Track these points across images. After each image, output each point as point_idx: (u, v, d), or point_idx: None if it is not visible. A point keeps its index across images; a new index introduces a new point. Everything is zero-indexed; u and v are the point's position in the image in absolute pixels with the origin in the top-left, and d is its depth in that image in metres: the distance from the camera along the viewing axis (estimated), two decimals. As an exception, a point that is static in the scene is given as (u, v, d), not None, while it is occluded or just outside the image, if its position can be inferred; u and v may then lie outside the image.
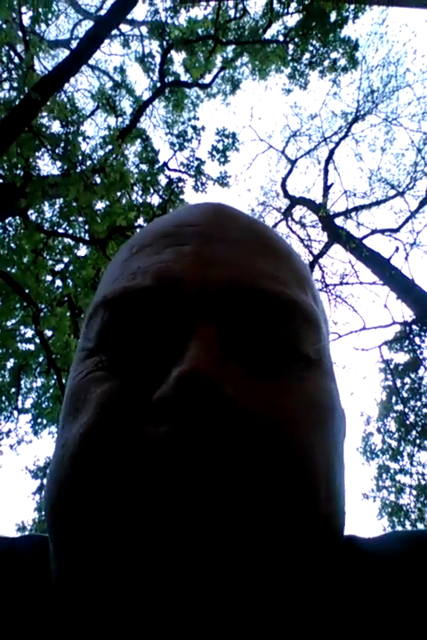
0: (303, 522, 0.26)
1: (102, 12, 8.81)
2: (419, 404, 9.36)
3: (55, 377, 5.32)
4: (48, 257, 5.79)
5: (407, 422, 9.32)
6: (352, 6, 7.56)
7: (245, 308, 0.30)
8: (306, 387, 0.30)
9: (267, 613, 0.24)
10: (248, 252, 0.34)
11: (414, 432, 9.25)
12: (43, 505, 0.30)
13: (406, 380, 9.65)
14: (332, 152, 11.35)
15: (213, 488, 0.24)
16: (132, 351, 0.30)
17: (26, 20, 5.91)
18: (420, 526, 8.81)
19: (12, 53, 5.24)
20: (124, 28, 9.83)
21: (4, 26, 4.71)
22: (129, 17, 8.33)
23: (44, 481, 7.63)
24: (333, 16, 7.97)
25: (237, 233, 0.35)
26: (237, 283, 0.31)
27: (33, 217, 6.06)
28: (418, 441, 9.17)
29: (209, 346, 0.27)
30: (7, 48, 5.02)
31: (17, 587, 0.31)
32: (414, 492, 9.25)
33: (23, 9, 5.34)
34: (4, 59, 5.01)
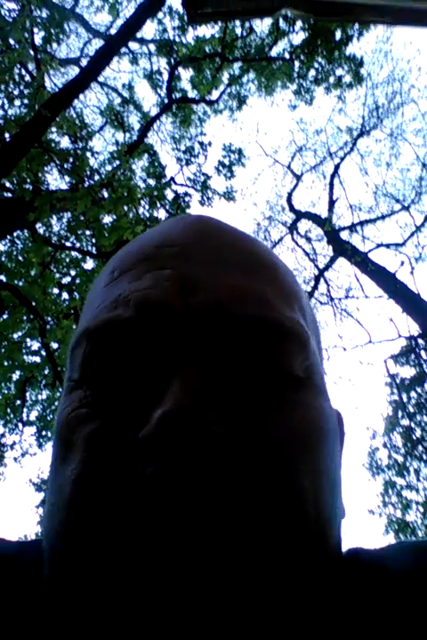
0: (293, 545, 0.26)
1: (112, 31, 8.99)
2: (425, 418, 9.26)
3: (60, 390, 5.32)
4: (55, 270, 5.84)
5: (414, 437, 9.21)
6: (357, 25, 7.66)
7: (228, 334, 0.30)
8: (295, 410, 0.30)
9: (265, 631, 0.25)
10: (231, 272, 0.32)
11: (420, 447, 9.14)
12: (43, 540, 0.30)
13: (413, 394, 9.56)
14: (337, 167, 11.42)
15: (201, 521, 0.24)
16: (115, 385, 0.29)
17: (38, 40, 6.05)
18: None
19: (23, 71, 5.35)
20: (133, 45, 10.00)
21: (17, 46, 4.82)
22: (138, 35, 8.48)
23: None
24: (338, 34, 8.08)
25: (219, 251, 0.34)
26: (220, 308, 0.30)
27: (41, 230, 6.12)
28: (425, 456, 9.06)
29: (191, 380, 0.27)
30: (19, 67, 5.13)
31: (22, 591, 0.31)
32: (421, 509, 9.10)
33: (35, 30, 5.47)
34: (16, 77, 5.12)
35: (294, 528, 0.26)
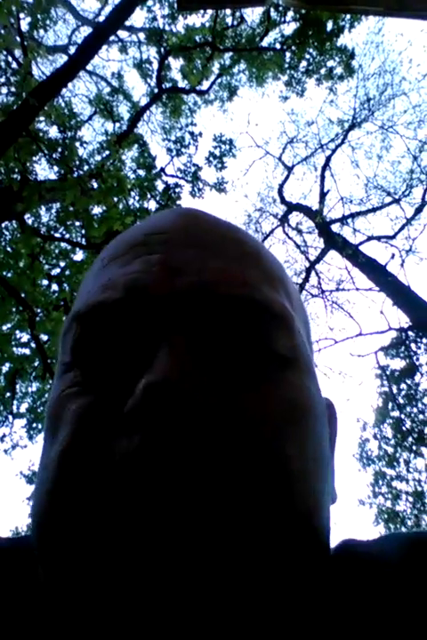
0: (280, 521, 0.26)
1: (101, 19, 8.86)
2: (415, 410, 9.38)
3: (51, 381, 5.30)
4: (44, 261, 5.79)
5: (404, 428, 9.33)
6: (349, 16, 7.64)
7: (213, 313, 0.30)
8: (280, 387, 0.30)
9: (253, 616, 0.24)
10: (217, 257, 0.33)
11: (410, 438, 9.26)
12: (30, 522, 0.31)
13: (403, 386, 9.67)
14: (328, 159, 11.43)
15: (186, 492, 0.24)
16: (104, 365, 0.30)
17: (24, 26, 5.95)
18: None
19: (10, 59, 5.26)
20: (123, 34, 9.89)
21: (3, 31, 4.73)
22: (127, 23, 8.37)
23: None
24: (329, 25, 8.05)
25: (205, 238, 0.35)
26: (205, 288, 0.31)
27: (30, 221, 6.06)
28: (414, 447, 9.19)
29: (177, 354, 0.27)
30: (5, 53, 5.04)
31: (15, 586, 0.31)
32: (411, 499, 9.25)
33: (22, 15, 5.37)
34: (3, 64, 5.03)
35: (280, 498, 0.26)
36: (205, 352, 0.29)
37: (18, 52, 5.47)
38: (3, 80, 5.09)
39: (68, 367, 0.32)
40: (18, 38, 5.09)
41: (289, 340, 0.32)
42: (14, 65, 5.32)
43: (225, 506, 0.24)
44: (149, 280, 0.31)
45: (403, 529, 9.04)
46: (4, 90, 5.15)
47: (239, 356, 0.30)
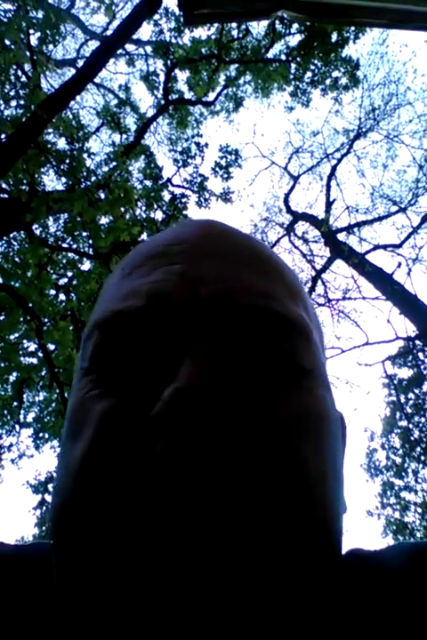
0: (300, 525, 0.26)
1: (108, 33, 8.99)
2: (423, 419, 9.28)
3: (58, 391, 5.31)
4: (52, 271, 5.83)
5: (412, 438, 9.23)
6: (353, 27, 7.69)
7: (234, 323, 0.31)
8: (299, 396, 0.31)
9: (267, 617, 0.25)
10: (237, 267, 0.34)
11: (418, 448, 9.15)
12: (47, 522, 0.31)
13: (411, 395, 9.58)
14: (334, 168, 11.44)
15: (209, 496, 0.25)
16: (126, 371, 0.31)
17: (34, 41, 6.04)
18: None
19: (19, 72, 5.34)
20: (130, 47, 10.02)
21: (13, 47, 4.81)
22: (134, 37, 8.49)
23: (46, 496, 7.57)
24: (334, 36, 8.11)
25: (226, 249, 0.36)
26: (226, 298, 0.31)
27: (37, 232, 6.12)
28: (423, 457, 9.07)
29: (201, 362, 0.28)
30: (15, 67, 5.12)
31: (23, 593, 0.32)
32: (420, 510, 9.12)
33: (31, 30, 5.46)
34: (12, 78, 5.11)
35: (300, 502, 0.27)
36: (225, 360, 0.30)
37: (27, 66, 5.57)
38: (12, 93, 5.18)
39: (87, 371, 0.33)
40: (27, 53, 5.18)
41: (307, 351, 0.33)
42: (23, 78, 5.40)
43: (247, 509, 0.25)
44: (171, 289, 0.32)
45: (412, 540, 8.89)
46: (14, 103, 5.23)
47: (259, 365, 0.31)
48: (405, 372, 9.82)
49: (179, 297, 0.31)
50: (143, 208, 6.26)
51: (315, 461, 0.28)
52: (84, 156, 5.35)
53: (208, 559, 0.24)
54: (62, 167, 5.13)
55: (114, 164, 5.90)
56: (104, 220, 5.46)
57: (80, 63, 9.55)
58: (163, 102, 8.11)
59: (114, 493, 0.26)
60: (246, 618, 0.24)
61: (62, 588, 0.28)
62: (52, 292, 5.79)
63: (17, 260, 5.80)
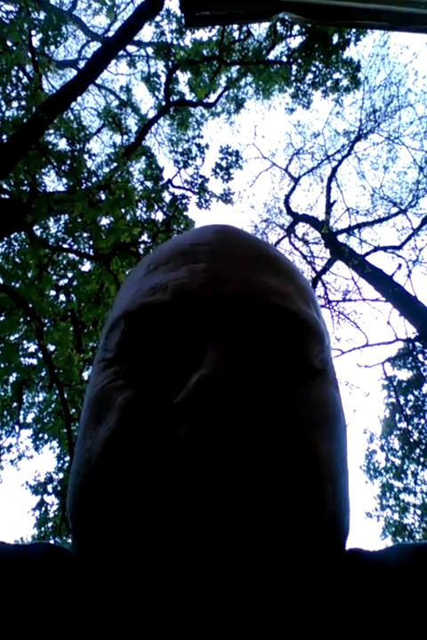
0: (311, 517, 0.27)
1: (110, 34, 9.00)
2: (423, 421, 9.27)
3: (57, 392, 5.31)
4: (52, 272, 5.83)
5: (411, 440, 9.22)
6: (354, 29, 7.70)
7: (255, 321, 0.32)
8: (313, 393, 0.32)
9: (272, 608, 0.26)
10: (256, 269, 0.36)
11: (417, 450, 9.15)
12: (67, 506, 0.32)
13: (410, 397, 9.58)
14: (335, 170, 11.45)
15: (232, 482, 0.26)
16: (150, 361, 0.32)
17: (35, 42, 6.05)
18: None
19: (21, 73, 5.35)
20: (131, 48, 10.03)
21: (15, 48, 4.82)
22: (136, 38, 8.50)
23: (45, 497, 7.55)
24: (335, 38, 8.12)
25: (245, 251, 0.38)
26: (248, 297, 0.33)
27: (38, 232, 6.12)
28: (422, 459, 9.07)
29: (223, 356, 0.29)
30: (17, 69, 5.13)
31: (25, 593, 0.32)
32: (419, 512, 9.11)
33: (33, 32, 5.47)
34: (14, 79, 5.12)
35: (312, 499, 0.28)
36: (246, 355, 0.31)
37: (29, 67, 5.58)
38: (14, 94, 5.18)
39: (112, 362, 0.34)
40: (29, 54, 5.19)
41: (320, 352, 0.35)
42: (25, 79, 5.41)
43: (263, 495, 0.26)
44: (197, 286, 0.33)
45: (411, 541, 8.87)
46: (15, 104, 5.24)
47: (276, 362, 0.32)
48: (404, 374, 9.83)
49: (204, 294, 0.33)
50: (144, 209, 6.27)
51: (328, 457, 0.30)
52: (85, 156, 5.36)
53: (225, 541, 0.25)
54: (63, 168, 5.14)
55: (115, 165, 5.91)
56: (105, 221, 5.47)
57: (81, 64, 9.57)
58: (164, 103, 8.13)
59: (137, 476, 0.27)
60: (252, 603, 0.25)
61: (84, 568, 0.29)
62: (53, 292, 5.80)
63: (17, 260, 5.81)
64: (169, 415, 0.28)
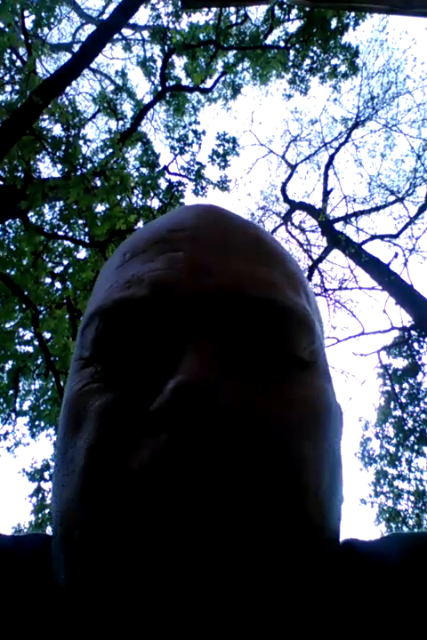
0: (294, 520, 0.26)
1: (105, 17, 8.85)
2: (417, 409, 9.36)
3: (53, 379, 5.31)
4: (48, 259, 5.79)
5: (406, 428, 9.31)
6: (353, 13, 7.60)
7: (238, 315, 0.30)
8: (301, 389, 0.31)
9: (263, 614, 0.25)
10: (241, 257, 0.34)
11: (412, 437, 9.25)
12: (52, 515, 0.31)
13: (405, 385, 9.65)
14: (332, 157, 11.39)
15: (210, 491, 0.25)
16: (127, 361, 0.30)
17: (28, 24, 5.94)
18: (418, 532, 8.78)
19: (14, 57, 5.26)
20: (127, 32, 9.88)
21: (7, 30, 4.73)
22: (131, 21, 8.37)
23: (42, 484, 7.60)
24: (333, 23, 8.02)
25: (229, 237, 0.35)
26: (230, 290, 0.31)
27: (33, 219, 6.07)
28: (416, 446, 9.17)
29: (204, 355, 0.28)
30: (9, 51, 5.04)
31: (20, 585, 0.31)
32: (412, 498, 9.24)
33: (26, 13, 5.37)
34: (7, 62, 5.03)
35: (294, 502, 0.27)
36: (229, 353, 0.30)
37: (22, 50, 5.48)
38: (7, 78, 5.10)
39: (87, 362, 0.32)
40: (22, 36, 5.10)
41: (310, 343, 0.33)
42: (18, 63, 5.32)
43: (242, 509, 0.25)
44: (175, 279, 0.31)
45: (404, 528, 9.02)
46: (9, 88, 5.15)
47: (262, 358, 0.30)
48: (400, 362, 9.89)
49: (183, 287, 0.31)
50: (140, 196, 6.21)
51: (312, 458, 0.28)
52: (80, 142, 5.29)
53: (207, 554, 0.24)
54: (58, 154, 5.08)
55: (110, 151, 5.84)
56: (100, 208, 5.42)
57: (76, 48, 9.41)
58: (160, 89, 8.02)
59: (119, 488, 0.26)
60: (241, 613, 0.24)
61: (67, 584, 0.27)
62: (48, 280, 5.76)
63: (12, 247, 5.76)
64: (147, 421, 0.27)
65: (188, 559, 0.24)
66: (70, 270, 5.61)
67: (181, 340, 0.29)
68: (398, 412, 9.58)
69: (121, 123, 7.45)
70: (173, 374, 0.27)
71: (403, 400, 9.56)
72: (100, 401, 0.29)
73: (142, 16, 9.76)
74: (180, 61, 8.31)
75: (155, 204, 6.42)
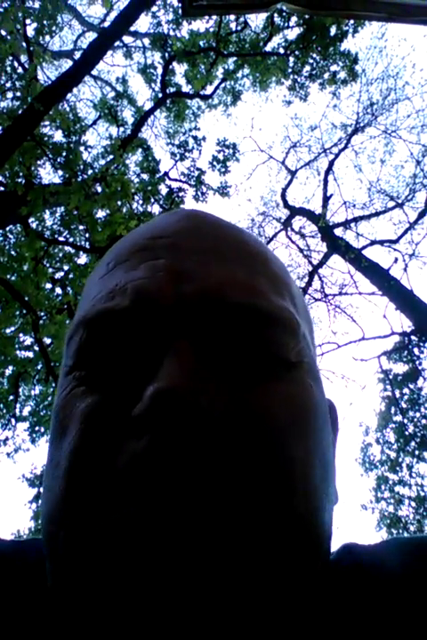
0: (280, 521, 0.26)
1: (106, 24, 8.91)
2: (418, 414, 9.33)
3: (54, 385, 5.31)
4: (48, 265, 5.81)
5: (406, 433, 9.28)
6: (352, 21, 7.65)
7: (219, 320, 0.30)
8: (286, 388, 0.30)
9: (251, 620, 0.24)
10: (222, 262, 0.33)
11: (413, 443, 9.21)
12: (41, 520, 0.31)
13: (406, 390, 9.63)
14: (331, 163, 11.43)
15: (191, 490, 0.25)
16: (110, 369, 0.31)
17: (30, 32, 5.99)
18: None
19: (15, 64, 5.29)
20: (127, 39, 9.94)
21: (9, 37, 4.76)
22: (132, 29, 8.42)
23: (42, 490, 7.57)
24: (333, 30, 8.07)
25: (210, 242, 0.35)
26: (211, 295, 0.31)
27: (34, 225, 6.08)
28: (417, 452, 9.13)
29: (183, 361, 0.28)
30: (11, 59, 5.07)
31: (19, 590, 0.32)
32: (414, 504, 9.19)
33: (27, 21, 5.41)
34: (8, 69, 5.06)
35: (282, 502, 0.26)
36: (210, 359, 0.30)
37: (24, 58, 5.52)
38: (8, 85, 5.13)
39: (72, 369, 0.33)
40: (24, 44, 5.13)
41: (294, 345, 0.33)
42: (20, 70, 5.35)
43: (227, 510, 0.25)
44: (156, 287, 0.31)
45: (405, 534, 8.97)
46: (10, 94, 5.18)
47: (244, 363, 0.30)
48: (400, 368, 9.87)
49: (164, 295, 0.31)
50: (140, 202, 6.24)
51: (299, 456, 0.28)
52: (81, 148, 5.31)
53: (185, 560, 0.24)
54: (59, 160, 5.10)
55: (111, 157, 5.87)
56: (101, 214, 5.43)
57: (77, 55, 9.48)
58: (160, 95, 8.07)
59: (99, 496, 0.26)
60: (225, 622, 0.24)
61: (55, 588, 0.28)
62: (49, 285, 5.77)
63: (13, 253, 5.77)
64: (128, 427, 0.27)
65: (169, 557, 0.24)
66: (71, 276, 5.62)
67: (161, 346, 0.29)
68: (398, 418, 9.55)
69: (122, 129, 7.49)
70: (153, 380, 0.27)
71: (404, 405, 9.54)
72: (84, 403, 0.30)
73: (143, 24, 9.86)
74: (180, 68, 8.37)
75: (155, 209, 6.45)
